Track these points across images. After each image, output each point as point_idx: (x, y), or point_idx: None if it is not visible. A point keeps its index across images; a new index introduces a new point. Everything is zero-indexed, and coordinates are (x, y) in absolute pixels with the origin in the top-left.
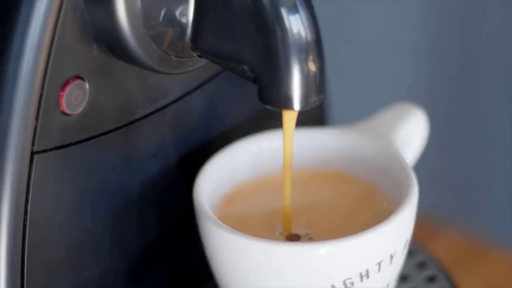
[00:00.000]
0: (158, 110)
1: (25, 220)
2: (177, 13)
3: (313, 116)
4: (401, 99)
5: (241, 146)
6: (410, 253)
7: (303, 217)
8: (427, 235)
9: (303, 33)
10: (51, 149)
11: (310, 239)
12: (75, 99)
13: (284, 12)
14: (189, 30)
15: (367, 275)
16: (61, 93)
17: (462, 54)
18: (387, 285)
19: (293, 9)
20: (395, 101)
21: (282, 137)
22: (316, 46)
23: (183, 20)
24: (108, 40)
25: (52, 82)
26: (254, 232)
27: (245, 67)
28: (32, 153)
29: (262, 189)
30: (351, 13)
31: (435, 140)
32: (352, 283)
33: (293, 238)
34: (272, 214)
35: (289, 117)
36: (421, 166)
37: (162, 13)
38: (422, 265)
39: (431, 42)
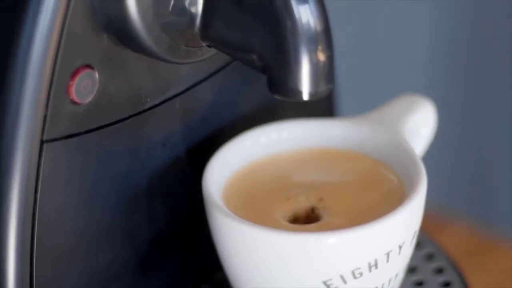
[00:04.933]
0: (167, 100)
1: (34, 209)
2: (187, 3)
3: (322, 108)
4: (410, 91)
5: (251, 137)
6: (419, 245)
7: (315, 192)
8: (435, 230)
9: (312, 23)
10: (60, 138)
11: (322, 217)
12: (84, 88)
13: (293, 1)
14: (198, 20)
15: (376, 265)
16: (71, 82)
17: (474, 47)
18: (396, 275)
19: None
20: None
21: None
22: (325, 35)
23: (193, 9)
24: (118, 29)
25: (62, 71)
26: (263, 214)
27: (254, 56)
28: (42, 142)
29: (271, 175)
30: (361, 5)
31: (446, 134)
32: (361, 273)
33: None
34: (281, 194)
35: None
36: (431, 160)
37: (172, 2)
38: (430, 257)
39: (442, 35)
